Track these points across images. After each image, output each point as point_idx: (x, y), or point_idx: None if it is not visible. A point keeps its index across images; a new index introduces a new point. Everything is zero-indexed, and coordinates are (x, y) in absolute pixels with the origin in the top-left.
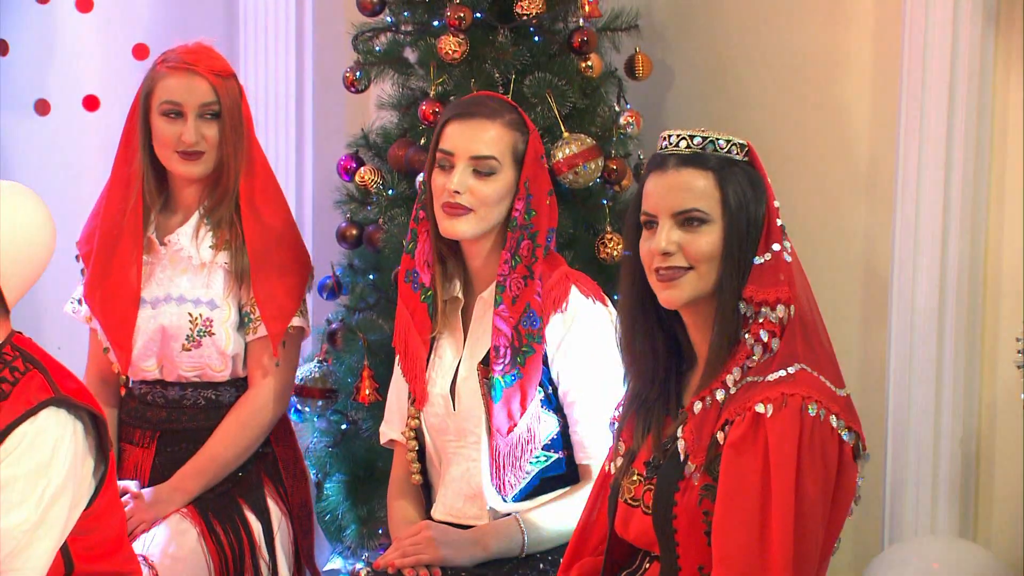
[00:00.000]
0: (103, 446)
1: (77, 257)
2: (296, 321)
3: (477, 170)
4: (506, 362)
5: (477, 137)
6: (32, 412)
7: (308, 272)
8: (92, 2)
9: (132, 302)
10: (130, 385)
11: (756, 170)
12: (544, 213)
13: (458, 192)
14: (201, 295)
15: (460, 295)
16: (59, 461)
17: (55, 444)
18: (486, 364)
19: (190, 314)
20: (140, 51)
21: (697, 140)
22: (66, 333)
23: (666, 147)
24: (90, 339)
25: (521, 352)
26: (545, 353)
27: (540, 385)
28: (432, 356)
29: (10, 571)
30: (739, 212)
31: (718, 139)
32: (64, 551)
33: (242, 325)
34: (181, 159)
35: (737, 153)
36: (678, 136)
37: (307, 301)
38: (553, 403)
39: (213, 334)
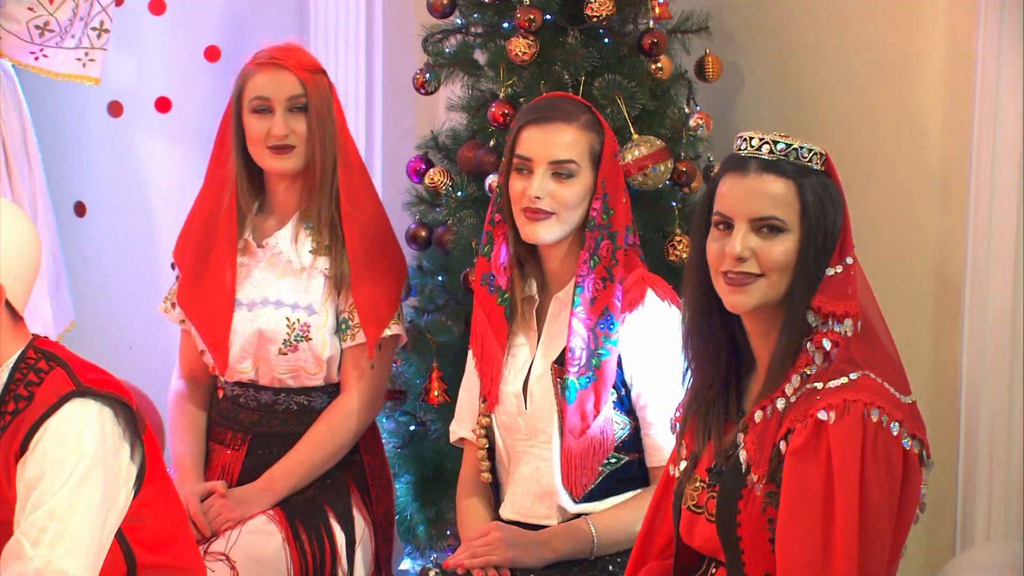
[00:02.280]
0: (137, 432)
1: (172, 264)
2: (393, 328)
3: (556, 174)
4: (581, 364)
5: (555, 141)
6: (56, 406)
7: (405, 276)
8: (165, 4)
9: (227, 304)
10: (223, 385)
11: (833, 180)
12: (621, 211)
13: (539, 197)
14: (300, 300)
15: (535, 294)
16: (84, 447)
17: (79, 431)
18: (560, 364)
19: (287, 318)
20: (212, 53)
21: (780, 146)
22: (138, 333)
23: (745, 149)
24: (182, 340)
25: (597, 354)
26: (620, 355)
27: (613, 387)
28: (505, 354)
29: (54, 559)
30: (816, 223)
31: (801, 147)
32: (122, 541)
33: (339, 330)
34: (272, 154)
35: (816, 162)
36: (760, 140)
37: (403, 306)
38: (626, 405)
39: (310, 339)
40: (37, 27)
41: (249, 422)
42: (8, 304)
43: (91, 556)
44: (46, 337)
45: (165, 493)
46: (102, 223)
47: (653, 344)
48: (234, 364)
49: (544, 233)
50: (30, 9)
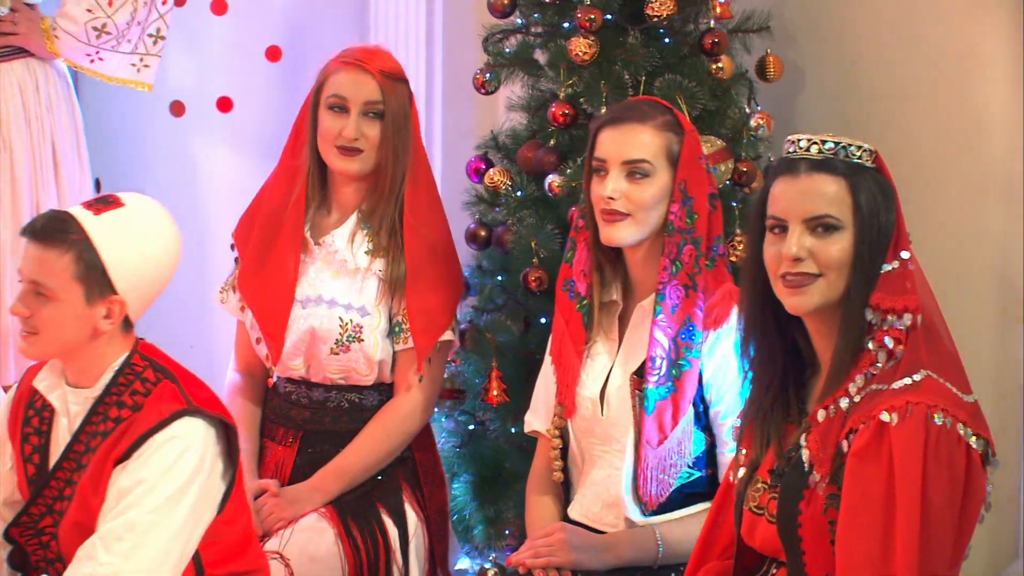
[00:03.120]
0: (232, 453)
1: (232, 246)
2: (447, 336)
3: (631, 174)
4: (661, 374)
5: (628, 141)
6: (165, 423)
7: (461, 288)
8: (227, 4)
9: (288, 295)
10: (276, 381)
11: (884, 176)
12: (706, 217)
13: (613, 198)
14: (353, 300)
15: (618, 299)
16: (183, 467)
17: (182, 450)
18: (639, 375)
19: (340, 318)
20: (273, 53)
21: (829, 145)
22: (199, 332)
23: (794, 151)
24: (238, 331)
25: (677, 365)
26: (700, 371)
27: (692, 401)
28: (584, 358)
29: (124, 570)
30: (871, 219)
31: (849, 145)
32: (196, 558)
33: (392, 333)
34: (339, 154)
35: (867, 159)
36: (808, 141)
37: (458, 317)
38: (703, 421)
39: (362, 340)
40: (95, 28)
41: (301, 419)
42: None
43: (162, 574)
44: (149, 343)
45: (241, 508)
46: None
47: (734, 363)
48: (286, 360)
49: (621, 235)
50: (88, 11)
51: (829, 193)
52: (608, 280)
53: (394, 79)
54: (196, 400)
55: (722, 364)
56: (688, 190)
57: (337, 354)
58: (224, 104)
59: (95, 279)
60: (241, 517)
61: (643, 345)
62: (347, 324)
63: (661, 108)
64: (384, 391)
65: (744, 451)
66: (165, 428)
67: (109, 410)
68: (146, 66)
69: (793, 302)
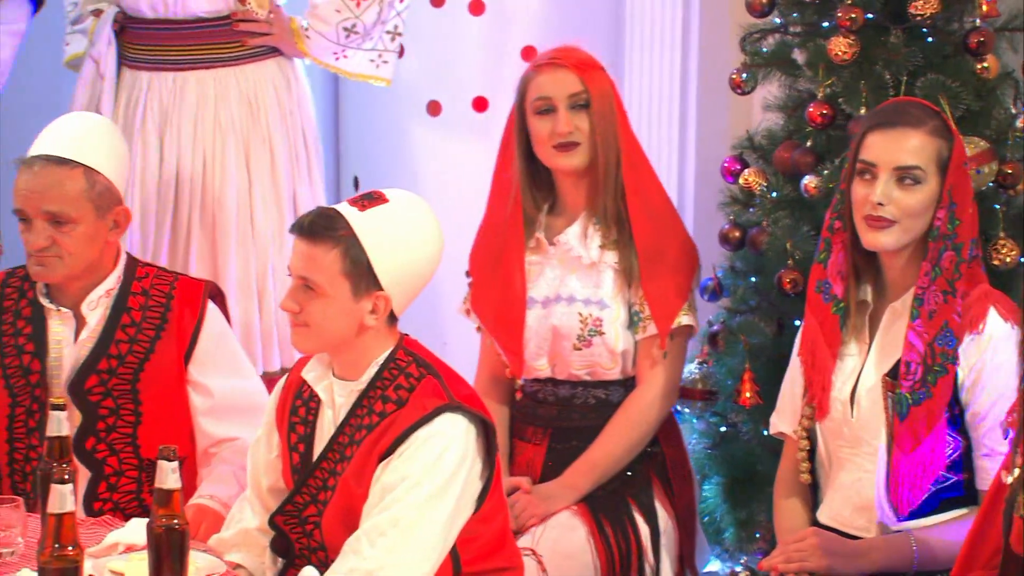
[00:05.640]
0: (490, 452)
1: (467, 273)
2: (684, 319)
3: (901, 180)
4: (916, 379)
5: (900, 147)
6: (428, 418)
7: (695, 266)
8: (484, 5)
9: (519, 306)
10: (520, 387)
11: None
12: (967, 222)
13: (881, 204)
14: (591, 295)
15: (869, 299)
16: (446, 463)
17: (444, 447)
18: (892, 377)
19: (580, 314)
20: (528, 53)
21: None
22: (454, 329)
23: None
24: (482, 338)
25: (933, 371)
26: (956, 374)
27: (947, 405)
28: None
29: (387, 565)
30: None
31: None
32: (453, 554)
33: (631, 323)
34: (557, 152)
35: None
36: None
37: (695, 295)
38: (958, 424)
39: (603, 333)
40: (345, 29)
41: (548, 417)
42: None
43: (424, 570)
44: (413, 339)
45: (498, 506)
46: None
47: (992, 366)
48: (530, 361)
49: (886, 241)
50: (337, 11)
51: None
52: (862, 281)
53: (592, 68)
54: (458, 396)
55: (978, 365)
56: (954, 196)
57: (580, 349)
58: (480, 104)
59: (361, 275)
60: (498, 516)
61: (895, 346)
62: (587, 319)
63: (930, 112)
64: (629, 386)
65: (1020, 451)
66: (428, 424)
67: (374, 404)
68: (384, 62)
69: None
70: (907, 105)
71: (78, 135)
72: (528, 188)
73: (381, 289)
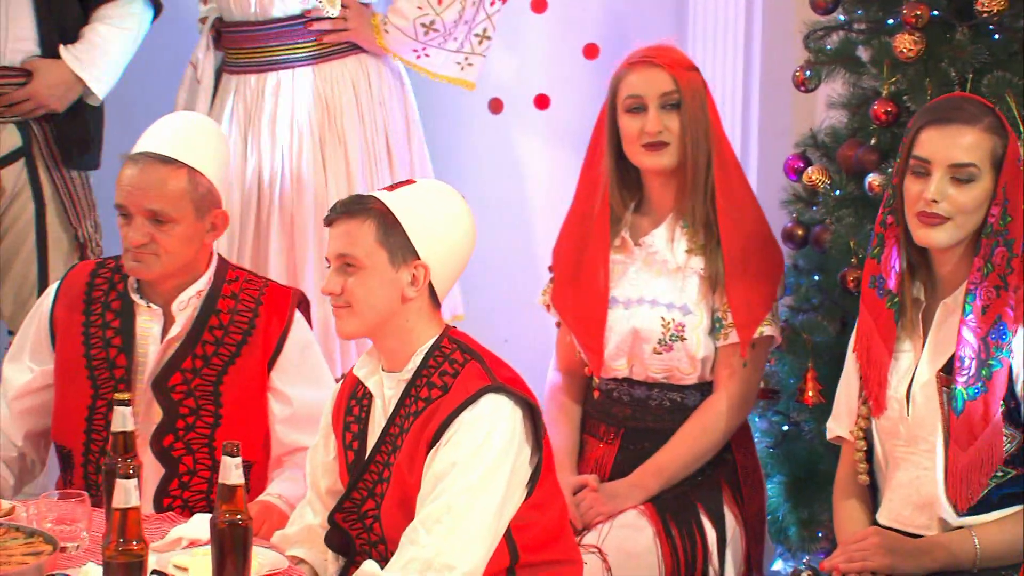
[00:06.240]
0: (538, 435)
1: (549, 268)
2: (767, 330)
3: (955, 177)
4: (970, 374)
5: (955, 143)
6: (471, 400)
7: (781, 273)
8: (546, 2)
9: (602, 305)
10: (597, 385)
11: None
12: (1019, 218)
13: (935, 201)
14: (675, 300)
15: (922, 297)
16: (493, 444)
17: (490, 428)
18: (947, 373)
19: (662, 318)
20: (590, 51)
21: None
22: (514, 326)
23: None
24: (559, 334)
25: (987, 365)
26: (1011, 367)
27: (1002, 399)
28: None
29: (443, 551)
30: None
31: None
32: (509, 541)
33: (713, 330)
34: (646, 151)
35: None
36: None
37: (778, 305)
38: (1015, 418)
39: (685, 339)
40: (423, 25)
41: (622, 416)
42: (431, 289)
43: (480, 554)
44: (460, 330)
45: (554, 494)
46: (482, 218)
47: None
48: (609, 361)
49: (939, 238)
50: (419, 7)
51: None
52: (915, 278)
53: (685, 69)
54: (501, 379)
55: None
56: (1007, 193)
57: (660, 353)
58: (542, 101)
59: (397, 243)
60: (553, 506)
61: (949, 343)
62: (669, 324)
63: (985, 108)
64: (706, 391)
65: None
66: (472, 406)
67: (420, 391)
68: (470, 65)
69: None
70: (962, 101)
71: (185, 135)
72: (616, 186)
73: (418, 258)
